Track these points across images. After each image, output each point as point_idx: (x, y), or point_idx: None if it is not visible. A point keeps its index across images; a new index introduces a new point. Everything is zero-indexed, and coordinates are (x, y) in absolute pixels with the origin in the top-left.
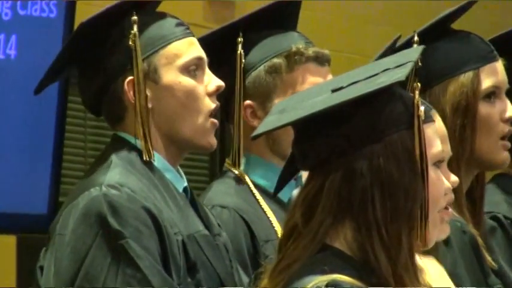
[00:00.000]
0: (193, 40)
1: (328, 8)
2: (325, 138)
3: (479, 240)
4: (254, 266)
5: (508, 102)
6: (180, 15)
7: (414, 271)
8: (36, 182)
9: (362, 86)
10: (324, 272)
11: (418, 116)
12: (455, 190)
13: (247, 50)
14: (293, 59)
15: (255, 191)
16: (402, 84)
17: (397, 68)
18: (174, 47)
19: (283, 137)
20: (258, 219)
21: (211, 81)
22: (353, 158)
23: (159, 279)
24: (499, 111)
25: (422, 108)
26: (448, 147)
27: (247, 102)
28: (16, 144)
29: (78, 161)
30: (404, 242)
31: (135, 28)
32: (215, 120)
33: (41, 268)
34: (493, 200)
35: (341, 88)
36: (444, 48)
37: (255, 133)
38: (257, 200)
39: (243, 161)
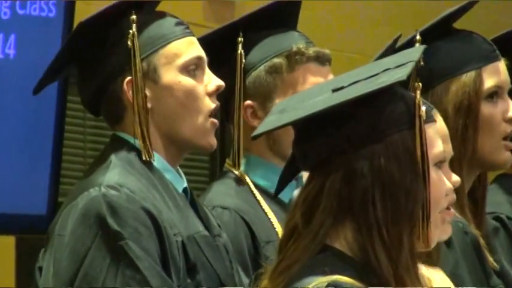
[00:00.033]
0: (193, 39)
1: (328, 7)
2: (325, 138)
3: (481, 241)
4: (255, 267)
5: (511, 102)
6: (180, 14)
7: (415, 272)
8: (35, 182)
9: (363, 85)
10: (324, 273)
11: (420, 116)
12: (457, 190)
13: (247, 49)
14: (294, 58)
15: (255, 191)
16: (404, 84)
17: (398, 68)
18: (173, 47)
19: (283, 137)
20: (259, 220)
21: (211, 81)
22: (354, 158)
23: (159, 281)
24: (501, 111)
25: (423, 108)
26: (450, 147)
27: (248, 102)
28: (15, 144)
29: (78, 161)
30: (405, 242)
31: (134, 28)
32: (215, 120)
33: (40, 269)
34: (496, 200)
35: (342, 88)
36: (446, 47)
37: (255, 133)
38: (258, 200)
39: (243, 161)
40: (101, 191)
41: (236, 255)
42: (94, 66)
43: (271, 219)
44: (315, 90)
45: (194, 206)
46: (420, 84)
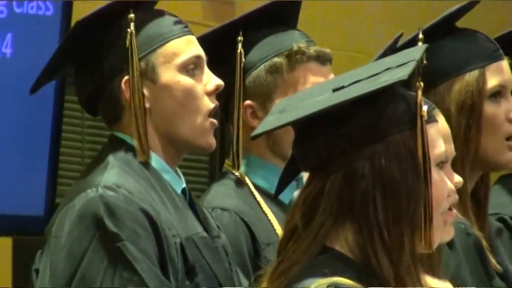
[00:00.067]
0: (192, 38)
1: (329, 5)
2: (325, 138)
3: (484, 243)
4: (255, 269)
5: None
6: (179, 13)
7: (416, 274)
8: (32, 183)
9: (363, 85)
10: (324, 275)
11: (421, 116)
12: (460, 191)
13: (247, 48)
14: (294, 58)
15: (255, 192)
16: (406, 83)
17: (399, 67)
18: (172, 46)
19: (284, 137)
20: (259, 221)
21: (210, 80)
22: (354, 159)
23: (157, 283)
24: (504, 111)
25: (425, 108)
26: (452, 147)
27: (248, 102)
28: (12, 144)
29: (75, 161)
30: (407, 244)
31: (132, 26)
32: (214, 120)
33: (37, 271)
34: (499, 201)
35: (342, 87)
36: (449, 46)
37: (255, 133)
38: (258, 202)
39: (243, 162)
40: (98, 192)
41: (236, 257)
42: (92, 66)
43: (271, 221)
44: (315, 90)
45: (193, 207)
46: (422, 83)
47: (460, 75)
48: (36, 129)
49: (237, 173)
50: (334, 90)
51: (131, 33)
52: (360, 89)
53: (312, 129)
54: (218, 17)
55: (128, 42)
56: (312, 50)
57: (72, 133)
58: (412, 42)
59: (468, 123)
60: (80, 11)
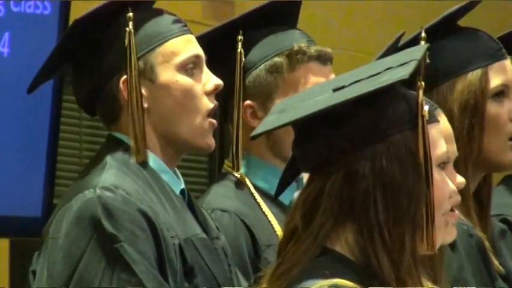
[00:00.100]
0: (191, 37)
1: (330, 4)
2: (326, 138)
3: (487, 244)
4: (255, 271)
5: None
6: (178, 12)
7: (418, 275)
8: (29, 183)
9: (364, 85)
10: (324, 276)
11: (422, 116)
12: (463, 192)
13: (247, 48)
14: (295, 58)
15: (255, 193)
16: (408, 83)
17: (400, 67)
18: (171, 45)
19: (284, 138)
20: (259, 223)
21: (210, 80)
22: (355, 159)
23: (155, 284)
24: (507, 111)
25: (426, 107)
26: (454, 147)
27: (247, 102)
28: (9, 144)
29: (73, 162)
30: (408, 245)
31: (131, 25)
32: (213, 121)
33: (34, 273)
34: (503, 202)
35: (342, 87)
36: (451, 45)
37: (254, 133)
38: (258, 203)
39: (243, 163)
40: (96, 192)
41: (236, 259)
42: (89, 65)
43: (271, 222)
44: (316, 90)
45: (192, 208)
46: (423, 83)
47: (463, 75)
48: (34, 129)
49: (236, 174)
50: (335, 90)
51: (130, 32)
52: (361, 89)
53: (312, 129)
54: (218, 16)
55: (126, 41)
56: (313, 49)
57: (70, 133)
58: (415, 41)
59: (471, 123)
60: (78, 10)
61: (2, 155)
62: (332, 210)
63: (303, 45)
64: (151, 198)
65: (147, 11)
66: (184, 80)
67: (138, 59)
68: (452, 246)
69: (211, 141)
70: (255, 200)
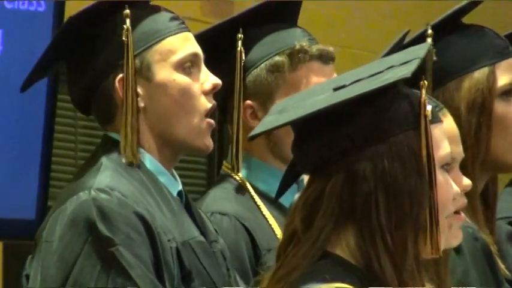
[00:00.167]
0: (189, 35)
1: (332, 2)
2: (326, 138)
3: (493, 248)
4: (255, 275)
5: None
6: (176, 9)
7: (420, 279)
8: (23, 185)
9: (365, 84)
10: (325, 280)
11: (425, 116)
12: (469, 194)
13: (247, 46)
14: (296, 57)
15: (255, 196)
16: (410, 82)
17: (403, 65)
18: (168, 43)
19: (285, 139)
20: (260, 226)
21: (208, 79)
22: (356, 160)
23: None
24: None
25: (429, 107)
26: (460, 148)
27: (247, 102)
28: (2, 144)
29: (68, 163)
30: (410, 248)
31: (128, 22)
32: (211, 121)
33: (27, 277)
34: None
35: (343, 86)
36: (457, 43)
37: (253, 133)
38: (258, 206)
39: (243, 164)
40: (90, 194)
41: (236, 263)
42: (85, 63)
43: (272, 226)
44: (316, 89)
45: (189, 210)
46: (426, 82)
47: (470, 73)
48: (28, 129)
49: (236, 176)
50: (335, 89)
51: (128, 29)
52: (362, 88)
53: (312, 129)
54: (217, 13)
55: (124, 39)
56: (315, 48)
57: (65, 133)
58: (421, 39)
59: (479, 122)
60: (73, 7)
61: None
62: (332, 212)
63: (304, 44)
64: (147, 201)
65: (143, 8)
66: (181, 79)
67: (135, 57)
68: (457, 249)
69: (209, 142)
70: (255, 203)
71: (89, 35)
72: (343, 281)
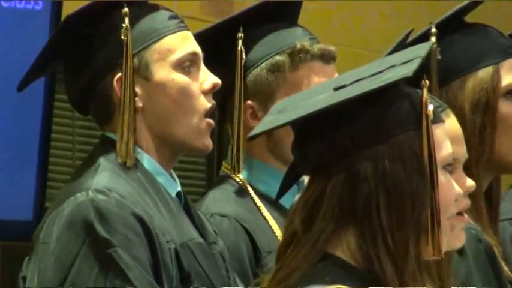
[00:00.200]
0: (188, 34)
1: (333, 1)
2: (326, 139)
3: (496, 250)
4: (256, 278)
5: None
6: (176, 8)
7: (422, 280)
8: (20, 186)
9: (366, 83)
10: (325, 283)
11: (427, 116)
12: (473, 195)
13: (247, 46)
14: (297, 57)
15: (255, 198)
16: (412, 82)
17: (404, 65)
18: (167, 42)
19: (285, 139)
20: (260, 228)
21: (207, 79)
22: (356, 160)
23: None
24: None
25: (430, 107)
26: (464, 149)
27: (247, 102)
28: None
29: (66, 163)
30: (412, 249)
31: (127, 21)
32: (211, 121)
33: (24, 279)
34: None
35: (344, 86)
36: (461, 42)
37: (252, 133)
38: (258, 207)
39: (243, 165)
40: (88, 195)
41: (236, 265)
42: (82, 62)
43: (272, 227)
44: (316, 89)
45: (188, 211)
46: (427, 81)
47: (474, 72)
48: (25, 129)
49: (236, 178)
50: (336, 89)
51: (126, 27)
52: (362, 87)
53: (312, 129)
54: (217, 12)
55: (123, 37)
56: (316, 48)
57: (63, 133)
58: (425, 37)
59: (483, 122)
60: (70, 6)
61: None
62: (333, 213)
63: (305, 43)
64: (146, 202)
65: (142, 6)
66: (180, 78)
67: (133, 56)
68: (461, 251)
69: (208, 142)
70: (255, 204)
71: (87, 34)
72: (343, 283)
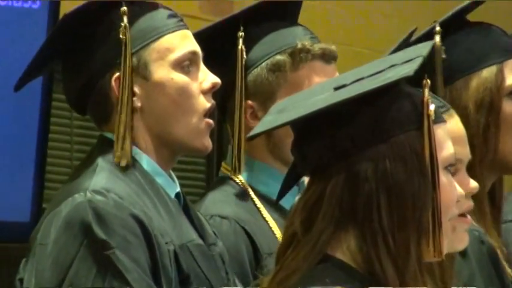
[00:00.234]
0: (187, 33)
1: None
2: (326, 139)
3: (499, 251)
4: (256, 279)
5: None
6: (175, 6)
7: (423, 282)
8: (17, 186)
9: (366, 83)
10: (325, 284)
11: (428, 116)
12: (476, 196)
13: (248, 45)
14: (298, 56)
15: (256, 199)
16: (414, 81)
17: (405, 64)
18: (166, 41)
19: (285, 140)
20: (260, 230)
21: (206, 78)
22: (356, 160)
23: None
24: None
25: (432, 107)
26: (467, 150)
27: (248, 102)
28: None
29: (64, 164)
30: (413, 251)
31: (125, 20)
32: (210, 121)
33: (21, 281)
34: None
35: (344, 86)
36: (465, 41)
37: (252, 133)
38: (258, 208)
39: (244, 166)
40: (86, 196)
41: (236, 267)
42: (80, 62)
43: (272, 229)
44: (316, 89)
45: (188, 212)
46: (429, 81)
47: (477, 71)
48: (22, 129)
49: (236, 179)
50: (336, 88)
51: (125, 26)
52: (363, 87)
53: (312, 129)
54: (217, 11)
55: (122, 36)
56: (317, 47)
57: (60, 134)
58: (428, 36)
59: (487, 121)
60: (68, 5)
61: None
62: (333, 214)
63: (306, 43)
64: (144, 203)
65: (141, 5)
66: (179, 77)
67: (132, 55)
68: (463, 253)
69: (208, 143)
70: (255, 205)
71: (85, 33)
72: (343, 285)
